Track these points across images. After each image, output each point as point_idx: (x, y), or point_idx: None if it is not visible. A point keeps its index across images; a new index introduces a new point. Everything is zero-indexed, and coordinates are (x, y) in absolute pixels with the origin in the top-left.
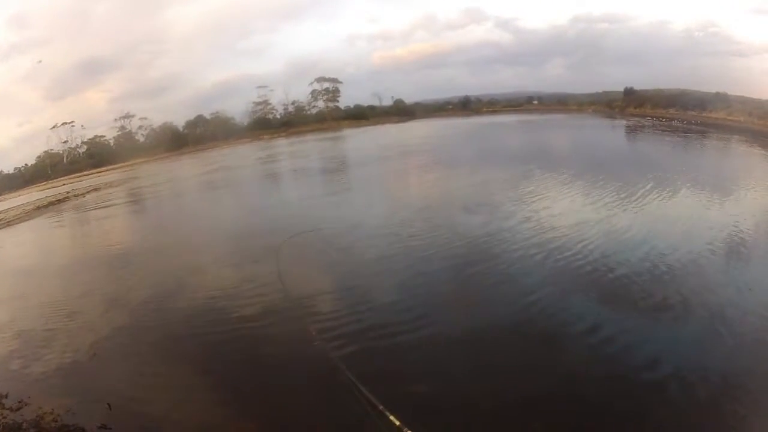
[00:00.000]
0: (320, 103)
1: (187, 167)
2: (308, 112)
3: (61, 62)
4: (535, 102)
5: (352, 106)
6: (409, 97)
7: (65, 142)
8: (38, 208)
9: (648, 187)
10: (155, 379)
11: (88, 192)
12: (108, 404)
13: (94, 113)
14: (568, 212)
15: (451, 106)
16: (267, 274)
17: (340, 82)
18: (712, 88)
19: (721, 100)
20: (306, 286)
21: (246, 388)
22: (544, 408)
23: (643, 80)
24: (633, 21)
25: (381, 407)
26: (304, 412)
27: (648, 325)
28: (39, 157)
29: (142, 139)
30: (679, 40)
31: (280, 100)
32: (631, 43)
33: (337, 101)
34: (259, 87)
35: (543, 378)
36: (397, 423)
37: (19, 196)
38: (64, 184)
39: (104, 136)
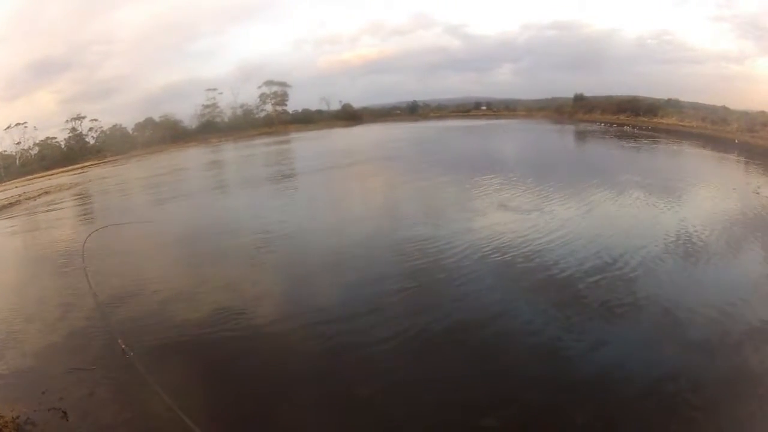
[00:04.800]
0: (268, 107)
1: (135, 171)
2: (256, 116)
3: (14, 62)
4: (484, 107)
5: (299, 110)
6: (356, 101)
7: (18, 143)
8: None
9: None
10: (110, 382)
11: (39, 195)
12: (64, 411)
13: (46, 114)
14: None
15: (398, 111)
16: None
17: (289, 86)
18: (664, 94)
19: (673, 106)
20: None
21: (198, 394)
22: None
23: (593, 87)
24: (584, 29)
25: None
26: None
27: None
28: None
29: (92, 141)
30: (632, 48)
31: (228, 104)
32: (581, 50)
33: (285, 105)
34: (208, 90)
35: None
36: (190, 423)
37: None
38: (16, 187)
39: (55, 138)
